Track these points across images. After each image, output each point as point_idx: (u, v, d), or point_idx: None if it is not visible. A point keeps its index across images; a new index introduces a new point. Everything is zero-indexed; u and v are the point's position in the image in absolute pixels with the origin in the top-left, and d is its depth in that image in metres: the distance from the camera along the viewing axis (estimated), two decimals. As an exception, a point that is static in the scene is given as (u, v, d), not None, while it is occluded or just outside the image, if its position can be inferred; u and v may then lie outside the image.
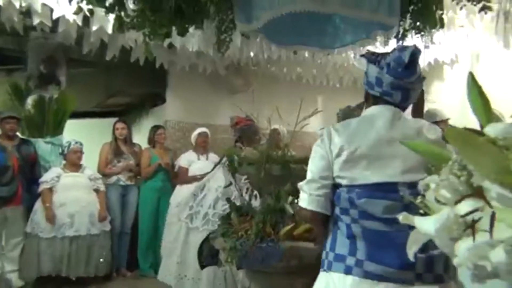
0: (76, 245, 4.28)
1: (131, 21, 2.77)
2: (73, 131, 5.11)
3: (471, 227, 0.61)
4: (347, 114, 3.51)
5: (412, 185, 1.35)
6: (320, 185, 1.60)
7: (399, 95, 1.57)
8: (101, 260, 4.42)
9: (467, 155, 0.67)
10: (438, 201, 0.73)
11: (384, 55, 1.62)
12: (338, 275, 1.50)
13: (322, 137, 1.66)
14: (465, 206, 0.65)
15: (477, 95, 0.80)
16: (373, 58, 1.62)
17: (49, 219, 4.19)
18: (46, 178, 4.37)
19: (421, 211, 0.76)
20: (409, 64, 1.53)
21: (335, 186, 1.60)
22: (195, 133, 5.00)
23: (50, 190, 4.33)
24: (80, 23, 4.01)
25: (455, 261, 0.65)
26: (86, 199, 4.44)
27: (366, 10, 2.09)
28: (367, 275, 1.42)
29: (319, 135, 2.11)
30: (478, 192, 0.65)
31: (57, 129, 4.79)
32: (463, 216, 0.64)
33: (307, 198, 1.64)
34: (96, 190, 4.60)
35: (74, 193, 4.39)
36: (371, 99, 1.67)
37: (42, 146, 4.60)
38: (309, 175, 1.66)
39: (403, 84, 1.56)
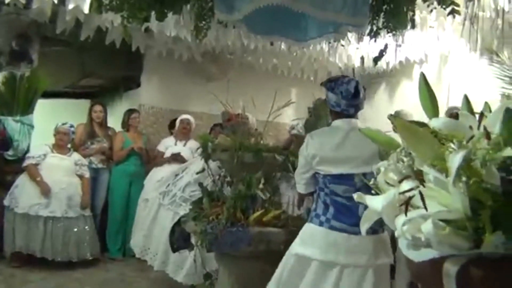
0: (51, 227, 4.25)
1: (110, 2, 2.77)
2: (44, 111, 5.03)
3: (405, 203, 0.72)
4: (317, 107, 3.62)
5: (364, 175, 2.08)
6: (304, 176, 2.45)
7: (352, 110, 2.38)
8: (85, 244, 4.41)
9: (410, 143, 0.78)
10: (387, 183, 0.83)
11: (337, 83, 2.38)
12: (314, 226, 2.30)
13: (304, 143, 2.43)
14: (404, 186, 0.76)
15: (426, 93, 0.90)
16: (331, 87, 2.39)
17: (44, 192, 4.20)
18: (33, 154, 4.38)
19: (373, 192, 0.86)
20: (355, 92, 2.32)
21: (317, 173, 2.38)
22: (180, 118, 5.05)
23: (35, 166, 4.31)
24: (55, 1, 3.95)
25: (396, 234, 0.75)
26: (67, 182, 4.41)
27: (330, 11, 2.21)
28: (332, 228, 2.24)
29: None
30: (415, 174, 0.76)
31: (28, 108, 4.71)
32: (401, 193, 0.75)
33: (300, 186, 2.51)
34: (80, 176, 4.57)
35: (55, 174, 4.36)
36: (333, 114, 2.44)
37: (11, 124, 4.53)
38: (297, 170, 2.50)
39: (354, 103, 2.35)
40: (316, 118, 3.78)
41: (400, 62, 5.80)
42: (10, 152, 4.41)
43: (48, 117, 4.71)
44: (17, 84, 4.59)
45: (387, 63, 5.97)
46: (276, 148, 2.89)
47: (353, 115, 2.41)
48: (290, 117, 4.92)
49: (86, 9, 3.95)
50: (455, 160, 0.68)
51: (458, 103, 1.05)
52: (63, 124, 4.56)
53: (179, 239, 2.95)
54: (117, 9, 2.75)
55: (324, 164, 2.33)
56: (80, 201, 4.45)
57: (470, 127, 0.77)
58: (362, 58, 5.81)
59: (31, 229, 4.18)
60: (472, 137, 0.73)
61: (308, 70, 6.33)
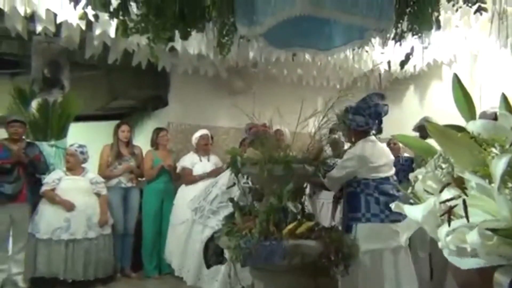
0: (72, 249, 4.28)
1: (135, 25, 2.83)
2: (77, 134, 5.16)
3: (447, 212, 0.68)
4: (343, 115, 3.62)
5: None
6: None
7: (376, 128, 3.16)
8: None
9: (447, 149, 0.75)
10: (426, 191, 0.80)
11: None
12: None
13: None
14: (445, 194, 0.72)
15: (461, 94, 0.87)
16: (360, 111, 3.10)
17: (68, 209, 4.28)
18: (48, 179, 4.42)
19: (411, 201, 0.83)
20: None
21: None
22: (196, 135, 5.07)
23: (52, 191, 4.39)
24: (83, 28, 4.08)
25: (439, 245, 0.71)
26: (85, 203, 4.43)
27: (358, 16, 2.16)
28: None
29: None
30: (456, 182, 0.72)
31: (61, 133, 4.84)
32: (442, 203, 0.71)
33: None
34: (98, 194, 4.59)
35: (71, 196, 4.38)
36: (358, 133, 3.13)
37: (46, 149, 4.65)
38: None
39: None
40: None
41: (428, 64, 5.68)
42: (46, 176, 4.53)
43: (82, 140, 4.82)
44: (50, 110, 4.74)
45: (414, 66, 5.87)
46: (306, 159, 2.85)
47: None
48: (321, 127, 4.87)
49: (112, 34, 4.07)
50: (498, 165, 0.64)
51: (491, 103, 1.00)
52: (71, 145, 4.61)
53: (213, 255, 2.95)
54: (142, 31, 2.82)
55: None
56: (98, 220, 4.48)
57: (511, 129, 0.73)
58: (389, 63, 5.72)
59: (53, 253, 4.23)
60: None
61: (334, 78, 6.29)
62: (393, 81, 6.60)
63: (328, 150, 3.98)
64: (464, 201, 0.67)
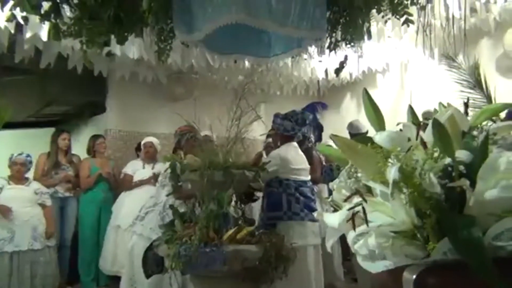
0: (18, 261, 4.07)
1: (68, 29, 2.73)
2: (7, 142, 4.88)
3: (351, 219, 0.73)
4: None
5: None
6: None
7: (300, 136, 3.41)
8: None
9: (353, 160, 0.81)
10: (344, 200, 0.85)
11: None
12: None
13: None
14: (352, 202, 0.78)
15: (371, 108, 0.93)
16: (289, 117, 3.40)
17: (4, 213, 4.04)
18: None
19: (332, 209, 0.88)
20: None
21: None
22: (143, 141, 4.99)
23: None
24: (12, 30, 3.87)
25: (352, 250, 0.77)
26: (29, 213, 4.23)
27: (290, 27, 2.23)
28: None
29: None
30: (357, 191, 0.78)
31: (-12, 141, 4.56)
32: (349, 209, 0.76)
33: None
34: (42, 205, 4.39)
35: (15, 207, 4.16)
36: (284, 137, 3.41)
37: (-28, 158, 4.37)
38: None
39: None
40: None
41: (363, 72, 5.94)
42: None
43: (12, 149, 4.55)
44: (-25, 117, 4.43)
45: (351, 74, 6.11)
46: (246, 164, 2.89)
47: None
48: (259, 132, 4.94)
49: (44, 37, 3.89)
50: (391, 173, 0.70)
51: (420, 109, 1.08)
52: (19, 154, 4.39)
53: (152, 264, 2.89)
54: (75, 35, 2.72)
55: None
56: (45, 231, 4.29)
57: (409, 139, 0.79)
58: (326, 71, 5.93)
59: None
60: (408, 150, 0.75)
61: (274, 85, 6.40)
62: (331, 88, 6.82)
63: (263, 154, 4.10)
64: (363, 208, 0.72)
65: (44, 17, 2.65)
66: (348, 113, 6.66)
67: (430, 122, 0.76)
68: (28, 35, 3.93)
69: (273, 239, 2.66)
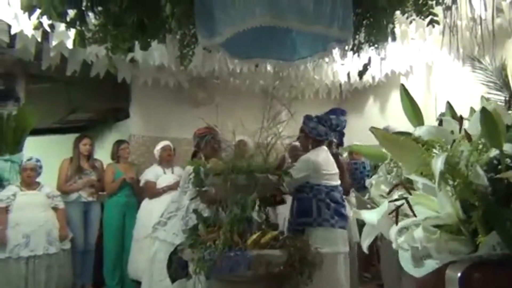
0: (33, 266, 4.12)
1: (93, 35, 2.78)
2: (34, 148, 4.98)
3: (395, 211, 0.71)
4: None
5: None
6: None
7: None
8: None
9: (394, 153, 0.79)
10: (381, 196, 0.82)
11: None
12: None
13: None
14: (394, 195, 0.75)
15: (408, 104, 0.91)
16: (322, 122, 3.34)
17: (0, 241, 4.04)
18: (2, 196, 4.23)
19: (369, 206, 0.85)
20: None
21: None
22: (157, 147, 4.99)
23: (6, 209, 4.19)
24: (39, 39, 3.96)
25: (394, 246, 0.74)
26: (43, 218, 4.28)
27: (321, 25, 2.20)
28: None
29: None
30: (401, 183, 0.75)
31: (16, 147, 4.65)
32: (391, 202, 0.74)
33: None
34: (55, 208, 4.44)
35: (29, 212, 4.22)
36: (316, 141, 3.34)
37: (1, 164, 4.46)
38: None
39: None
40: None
41: (386, 74, 5.87)
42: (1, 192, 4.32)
43: (39, 154, 4.64)
44: (4, 123, 4.55)
45: (373, 77, 6.04)
46: (269, 169, 2.87)
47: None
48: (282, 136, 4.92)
49: (70, 45, 3.97)
50: (437, 164, 0.67)
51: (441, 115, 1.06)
52: (29, 159, 4.46)
53: (177, 268, 2.90)
54: (100, 41, 2.76)
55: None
56: (58, 234, 4.34)
57: (452, 132, 0.77)
58: (348, 74, 5.88)
59: (12, 272, 4.05)
60: (453, 142, 0.73)
61: (296, 89, 6.38)
62: (353, 92, 6.76)
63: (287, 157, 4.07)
64: (407, 200, 0.70)
65: (70, 25, 2.70)
66: (371, 117, 6.58)
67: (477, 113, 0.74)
68: (54, 43, 4.01)
69: (297, 244, 2.64)
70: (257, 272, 2.49)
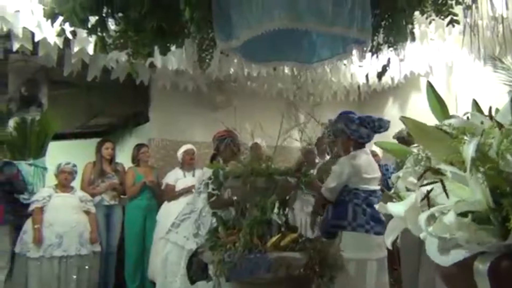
0: (66, 266, 4.24)
1: (114, 41, 2.83)
2: (56, 152, 5.09)
3: (426, 196, 0.70)
4: (333, 127, 3.68)
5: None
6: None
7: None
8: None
9: (424, 142, 0.78)
10: (407, 189, 0.82)
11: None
12: None
13: None
14: (425, 180, 0.75)
15: (435, 100, 0.90)
16: (365, 124, 3.20)
17: (36, 240, 4.16)
18: (38, 197, 4.36)
19: (394, 200, 0.85)
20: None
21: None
22: (181, 150, 5.04)
23: (41, 209, 4.31)
24: (61, 46, 4.05)
25: (421, 236, 0.73)
26: (76, 220, 4.41)
27: (340, 27, 2.19)
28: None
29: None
30: (432, 168, 0.75)
31: (40, 151, 4.76)
32: (420, 186, 0.73)
33: None
34: (87, 212, 4.56)
35: (63, 214, 4.35)
36: (357, 144, 3.21)
37: (25, 168, 4.56)
38: None
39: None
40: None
41: (405, 76, 5.81)
42: (25, 196, 4.44)
43: (61, 159, 4.74)
44: (28, 129, 4.66)
45: (392, 78, 5.98)
46: (288, 171, 2.87)
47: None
48: (299, 140, 4.93)
49: (91, 51, 4.05)
50: (468, 149, 0.67)
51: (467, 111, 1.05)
52: (67, 163, 4.58)
53: (196, 270, 2.91)
54: (121, 47, 2.81)
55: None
56: (89, 237, 4.45)
57: (482, 122, 0.77)
58: (367, 76, 5.83)
59: (45, 272, 4.15)
60: (483, 131, 0.73)
61: (314, 92, 6.36)
62: (372, 93, 6.71)
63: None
64: (442, 181, 0.70)
65: (91, 31, 2.76)
66: (391, 119, 6.48)
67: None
68: (75, 49, 4.09)
69: (317, 246, 2.62)
70: (277, 274, 2.49)
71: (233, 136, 3.65)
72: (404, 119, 0.84)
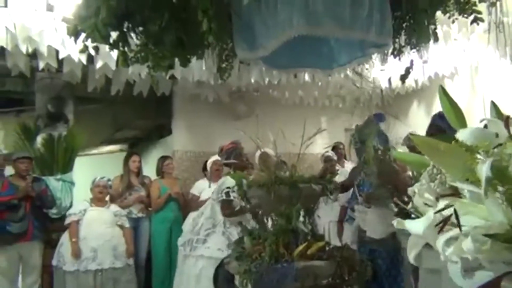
0: (101, 279, 4.27)
1: (135, 55, 2.87)
2: (83, 167, 5.17)
3: (442, 222, 0.66)
4: (360, 132, 3.58)
5: None
6: None
7: None
8: None
9: (436, 160, 0.74)
10: (426, 205, 0.78)
11: None
12: None
13: None
14: (440, 204, 0.70)
15: (449, 106, 0.86)
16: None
17: (74, 253, 4.22)
18: (75, 210, 4.44)
19: (413, 216, 0.80)
20: None
21: None
22: (210, 160, 5.05)
23: (77, 222, 4.37)
24: (84, 62, 4.13)
25: (442, 257, 0.69)
26: (110, 233, 4.44)
27: (359, 30, 2.15)
28: None
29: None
30: (451, 191, 0.70)
31: (67, 166, 4.85)
32: (437, 212, 0.69)
33: None
34: (121, 226, 4.59)
35: (97, 227, 4.40)
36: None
37: (53, 183, 4.65)
38: None
39: None
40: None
41: (430, 77, 5.69)
42: (54, 210, 4.52)
43: (87, 173, 4.83)
44: (55, 144, 4.76)
45: (416, 81, 5.88)
46: (312, 178, 2.83)
47: None
48: (322, 147, 4.87)
49: (113, 66, 4.12)
50: (483, 170, 0.63)
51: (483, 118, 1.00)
52: (102, 178, 4.65)
53: (223, 281, 2.89)
54: (142, 61, 2.84)
55: None
56: (124, 250, 4.48)
57: (496, 135, 0.72)
58: (389, 79, 5.75)
59: (82, 285, 4.20)
60: (498, 146, 0.68)
61: (336, 97, 6.31)
62: (395, 97, 6.60)
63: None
64: (455, 210, 0.65)
65: (113, 46, 2.80)
66: (416, 122, 6.37)
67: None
68: (98, 65, 4.17)
69: (345, 254, 2.57)
70: (304, 284, 2.45)
71: (240, 147, 3.69)
72: (412, 137, 0.80)
